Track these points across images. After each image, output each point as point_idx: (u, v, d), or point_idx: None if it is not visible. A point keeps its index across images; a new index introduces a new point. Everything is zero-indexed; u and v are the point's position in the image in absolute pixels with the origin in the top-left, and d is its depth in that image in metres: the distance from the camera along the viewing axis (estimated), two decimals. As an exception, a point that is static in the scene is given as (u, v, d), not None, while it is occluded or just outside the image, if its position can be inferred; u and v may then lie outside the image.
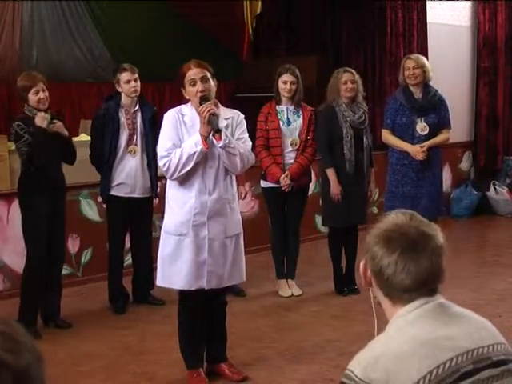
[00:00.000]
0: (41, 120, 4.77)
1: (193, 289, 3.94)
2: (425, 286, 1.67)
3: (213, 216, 3.90)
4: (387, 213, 1.78)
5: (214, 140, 3.82)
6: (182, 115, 3.94)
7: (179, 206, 3.92)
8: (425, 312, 1.65)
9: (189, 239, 3.90)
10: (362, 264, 1.76)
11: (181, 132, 3.90)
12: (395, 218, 1.72)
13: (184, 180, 3.89)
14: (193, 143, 3.79)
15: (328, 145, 5.59)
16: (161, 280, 4.06)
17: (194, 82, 3.85)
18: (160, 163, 3.94)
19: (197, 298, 3.99)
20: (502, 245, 7.50)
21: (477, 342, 1.62)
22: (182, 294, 4.04)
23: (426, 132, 5.61)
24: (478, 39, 9.36)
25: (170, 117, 3.94)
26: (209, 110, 3.73)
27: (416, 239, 1.66)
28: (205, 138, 3.78)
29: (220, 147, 3.80)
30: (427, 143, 5.58)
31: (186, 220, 3.89)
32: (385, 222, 1.72)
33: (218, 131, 3.76)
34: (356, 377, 1.56)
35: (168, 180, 4.00)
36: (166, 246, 3.99)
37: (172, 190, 3.98)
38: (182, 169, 3.81)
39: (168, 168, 3.84)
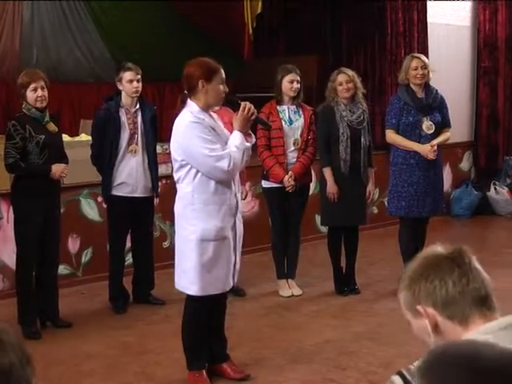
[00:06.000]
0: (59, 174, 4.82)
1: (226, 290, 4.00)
2: (488, 299, 1.62)
3: (237, 215, 3.99)
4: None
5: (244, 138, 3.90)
6: (202, 120, 3.81)
7: (216, 210, 3.85)
8: None
9: (227, 241, 3.91)
10: (422, 312, 1.59)
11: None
12: (421, 254, 1.64)
13: (220, 182, 3.84)
14: (239, 140, 3.82)
15: (326, 144, 5.60)
16: (200, 290, 3.86)
17: (223, 82, 3.88)
18: (222, 164, 3.74)
19: (213, 301, 3.97)
20: (502, 245, 7.50)
21: None
22: (200, 297, 3.91)
23: (432, 131, 5.59)
24: (478, 39, 9.35)
25: (193, 125, 3.77)
26: (250, 109, 3.88)
27: (460, 259, 1.62)
28: (247, 134, 3.90)
29: (252, 144, 3.95)
30: (435, 142, 5.58)
31: (226, 222, 3.89)
32: (416, 261, 1.63)
33: (267, 124, 3.98)
34: None
35: (192, 186, 3.82)
36: (203, 253, 3.84)
37: (203, 195, 3.82)
38: (241, 164, 3.86)
39: (233, 166, 3.77)
